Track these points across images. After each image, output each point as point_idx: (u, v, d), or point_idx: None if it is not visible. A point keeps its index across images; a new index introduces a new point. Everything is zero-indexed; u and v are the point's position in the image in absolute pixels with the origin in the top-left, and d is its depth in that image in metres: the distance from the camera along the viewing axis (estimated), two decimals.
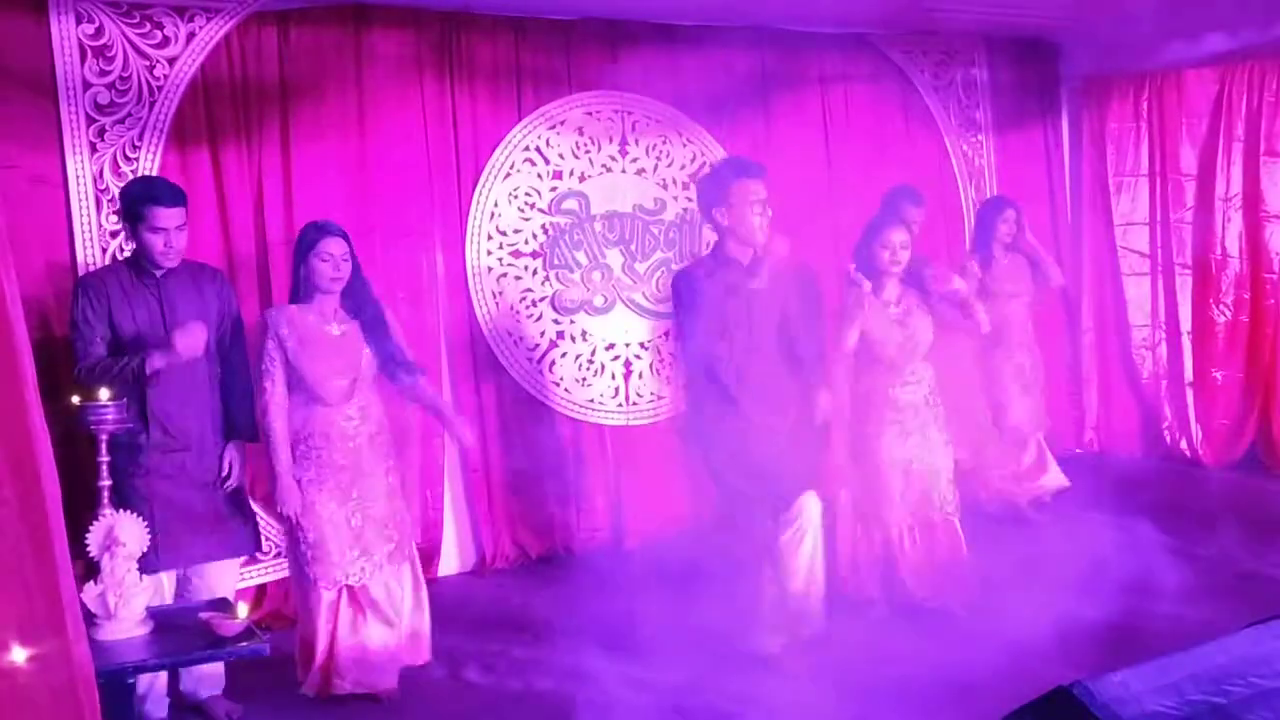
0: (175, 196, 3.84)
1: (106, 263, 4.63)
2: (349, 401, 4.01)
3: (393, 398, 4.35)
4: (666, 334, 6.12)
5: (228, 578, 4.01)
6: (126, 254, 4.50)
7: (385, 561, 4.05)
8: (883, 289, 4.62)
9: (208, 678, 3.98)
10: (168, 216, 3.77)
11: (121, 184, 4.66)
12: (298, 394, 3.98)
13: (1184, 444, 6.93)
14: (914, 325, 4.63)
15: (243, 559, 4.17)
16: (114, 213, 4.65)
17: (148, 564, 3.44)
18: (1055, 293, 6.50)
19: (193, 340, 3.72)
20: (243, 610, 2.87)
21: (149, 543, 3.23)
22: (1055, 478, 6.14)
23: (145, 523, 3.20)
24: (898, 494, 4.63)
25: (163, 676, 3.85)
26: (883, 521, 4.65)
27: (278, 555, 4.97)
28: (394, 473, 4.19)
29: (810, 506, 4.24)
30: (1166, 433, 7.01)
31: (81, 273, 4.59)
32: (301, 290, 4.03)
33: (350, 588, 4.00)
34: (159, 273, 3.86)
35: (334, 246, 3.98)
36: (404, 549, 4.16)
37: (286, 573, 5.02)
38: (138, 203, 3.79)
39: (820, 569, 4.28)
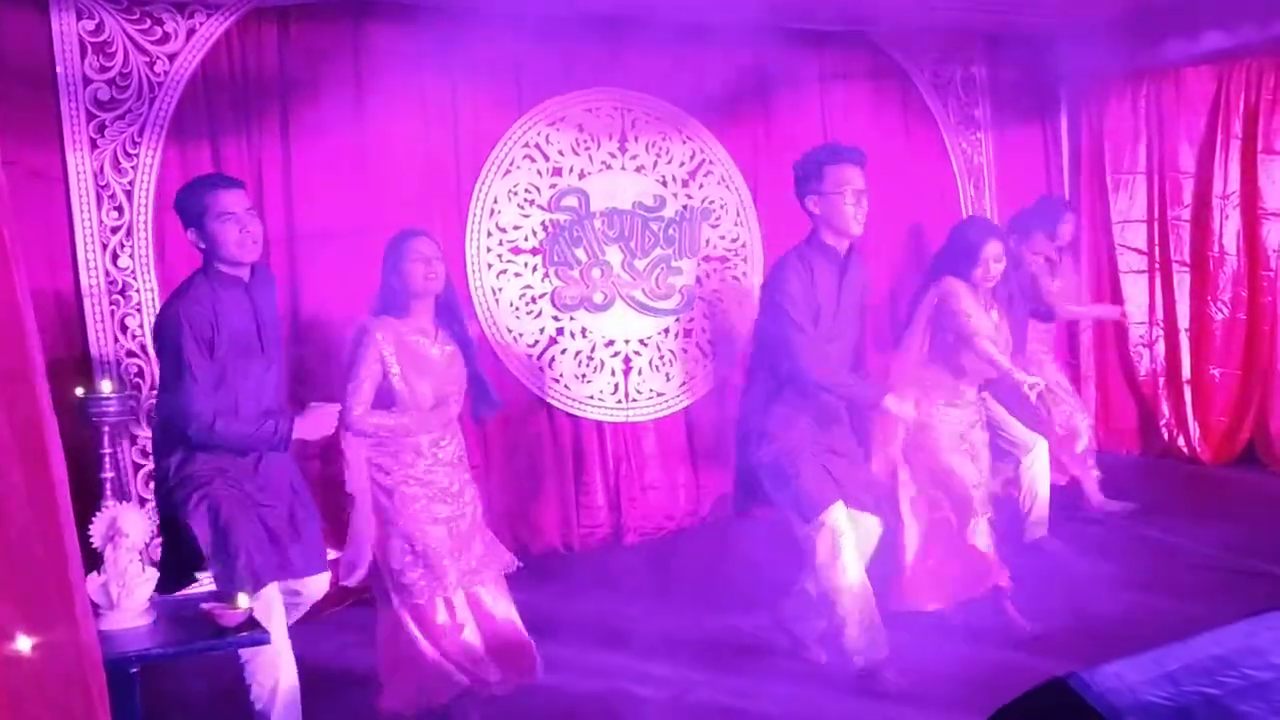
0: (233, 180, 3.53)
1: (107, 258, 4.64)
2: (444, 428, 3.80)
3: None
4: (667, 331, 6.14)
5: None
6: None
7: (478, 573, 3.82)
8: (977, 295, 4.46)
9: None
10: (233, 200, 3.38)
11: (122, 179, 4.69)
12: (383, 410, 3.71)
13: (1181, 441, 6.94)
14: (1003, 330, 4.51)
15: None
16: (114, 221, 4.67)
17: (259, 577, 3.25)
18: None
19: (323, 426, 3.45)
20: (243, 601, 2.88)
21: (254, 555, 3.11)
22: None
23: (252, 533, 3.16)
24: (969, 484, 4.43)
25: None
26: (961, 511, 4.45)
27: None
28: (471, 487, 3.93)
29: (874, 525, 4.09)
30: (1164, 430, 7.03)
31: (81, 267, 4.60)
32: (395, 302, 3.74)
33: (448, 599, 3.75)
34: (243, 274, 3.43)
35: (426, 247, 3.73)
36: (490, 564, 3.89)
37: None
38: (195, 195, 3.40)
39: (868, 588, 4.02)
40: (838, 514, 3.90)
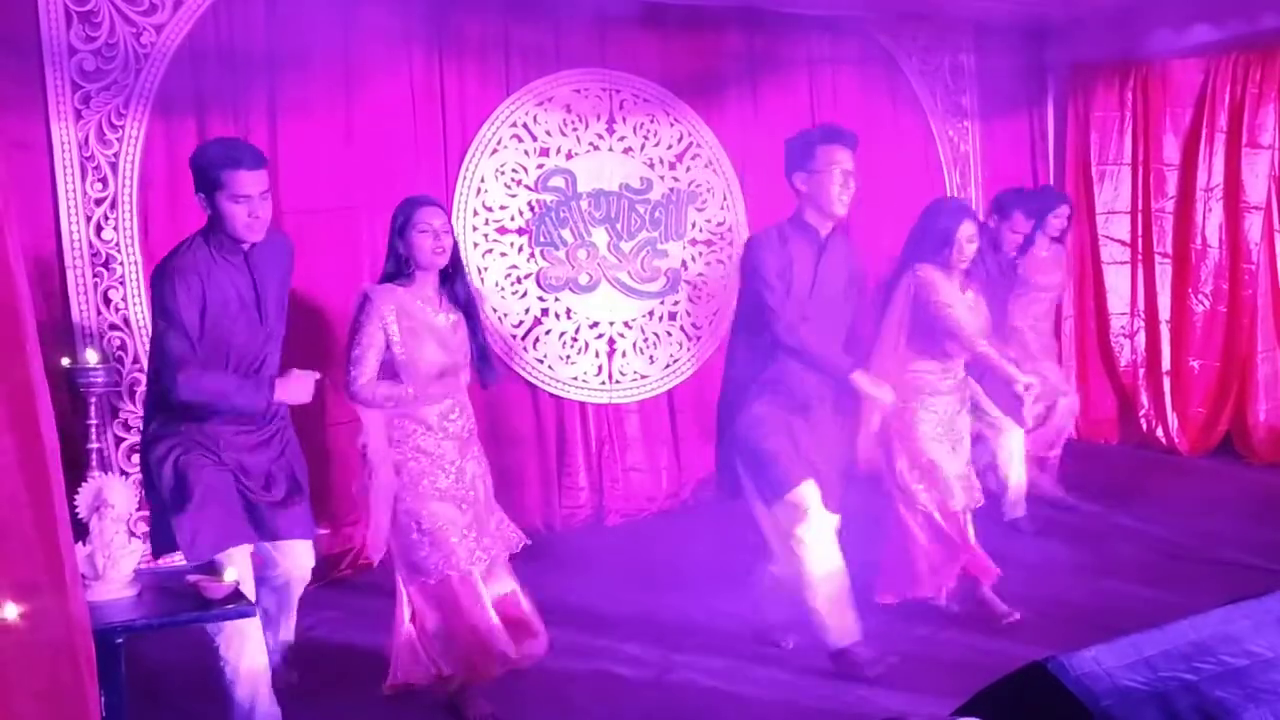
0: (257, 159, 3.39)
1: (91, 230, 4.61)
2: (452, 400, 3.68)
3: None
4: (651, 313, 6.14)
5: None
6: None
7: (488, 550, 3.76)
8: (952, 278, 4.38)
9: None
10: (251, 181, 3.31)
11: (107, 151, 4.65)
12: (390, 381, 3.61)
13: (1160, 432, 7.00)
14: (981, 310, 4.45)
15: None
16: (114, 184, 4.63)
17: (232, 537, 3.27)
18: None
19: (301, 393, 3.40)
20: (230, 574, 2.88)
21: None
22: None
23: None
24: (951, 476, 4.37)
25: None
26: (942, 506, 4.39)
27: None
28: (481, 462, 3.83)
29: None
30: (1143, 420, 7.08)
31: (65, 239, 4.56)
32: (400, 270, 3.61)
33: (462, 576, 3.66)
34: (245, 245, 3.39)
35: (433, 217, 3.59)
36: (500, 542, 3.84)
37: None
38: (214, 168, 3.31)
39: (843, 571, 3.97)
40: (807, 492, 3.82)
